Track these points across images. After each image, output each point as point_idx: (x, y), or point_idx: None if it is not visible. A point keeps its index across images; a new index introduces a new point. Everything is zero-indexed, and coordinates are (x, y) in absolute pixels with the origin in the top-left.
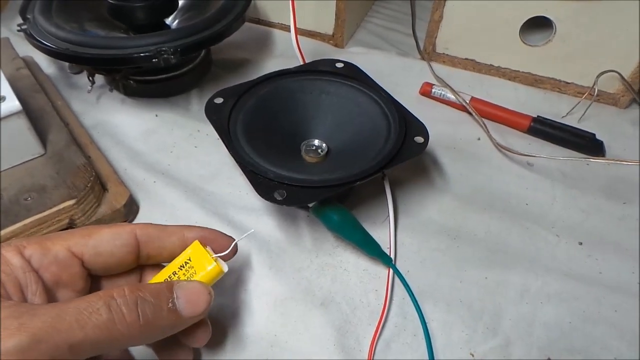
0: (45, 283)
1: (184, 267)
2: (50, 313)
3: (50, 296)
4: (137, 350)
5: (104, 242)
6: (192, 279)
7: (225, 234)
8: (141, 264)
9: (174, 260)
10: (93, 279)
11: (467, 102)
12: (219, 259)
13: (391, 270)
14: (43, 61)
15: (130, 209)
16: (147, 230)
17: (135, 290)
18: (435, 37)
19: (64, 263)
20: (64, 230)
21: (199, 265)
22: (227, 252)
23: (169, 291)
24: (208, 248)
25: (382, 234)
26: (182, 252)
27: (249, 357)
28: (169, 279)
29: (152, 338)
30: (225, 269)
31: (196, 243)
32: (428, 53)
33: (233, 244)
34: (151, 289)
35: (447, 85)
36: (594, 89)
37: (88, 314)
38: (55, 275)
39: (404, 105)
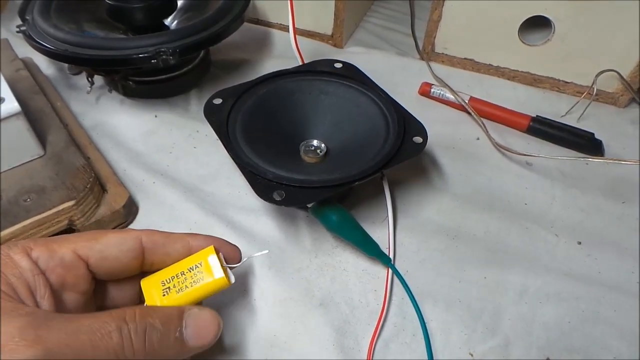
0: (51, 285)
1: (193, 269)
2: (66, 329)
3: (56, 299)
4: None
5: (110, 246)
6: (197, 284)
7: (230, 243)
8: (145, 270)
9: (185, 259)
10: (98, 282)
11: (466, 101)
12: (228, 269)
13: (390, 270)
14: (42, 62)
15: (130, 209)
16: (152, 237)
17: (145, 315)
18: (434, 37)
19: (70, 265)
20: (63, 231)
21: (209, 272)
22: (238, 264)
23: (179, 319)
24: (221, 256)
25: (381, 234)
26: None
27: (248, 357)
28: (175, 278)
29: None
30: (233, 280)
31: (211, 248)
32: (427, 53)
33: (243, 261)
34: (161, 314)
35: (446, 85)
36: (593, 89)
37: (101, 335)
38: (60, 277)
39: (403, 105)
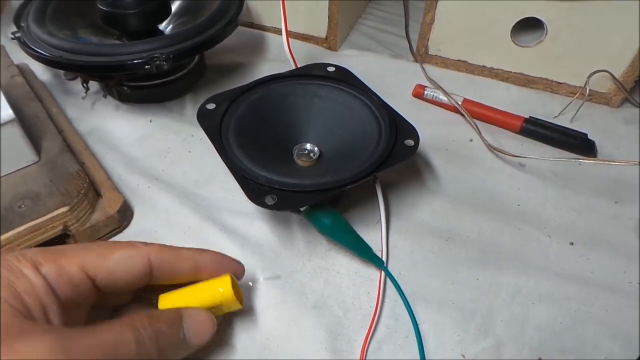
0: (60, 302)
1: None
2: (89, 345)
3: (64, 315)
4: None
5: (119, 265)
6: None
7: (235, 260)
8: (150, 284)
9: (202, 284)
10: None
11: (459, 103)
12: (240, 293)
13: (383, 272)
14: (38, 68)
15: (125, 214)
16: (161, 255)
17: (153, 322)
18: (428, 39)
19: (78, 284)
20: (58, 236)
21: (227, 307)
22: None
23: (180, 320)
24: (235, 281)
25: (374, 237)
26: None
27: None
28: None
29: None
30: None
31: (227, 278)
32: (421, 55)
33: (251, 283)
34: (166, 319)
35: (439, 87)
36: (586, 89)
37: (123, 346)
38: (67, 295)
39: (396, 107)
